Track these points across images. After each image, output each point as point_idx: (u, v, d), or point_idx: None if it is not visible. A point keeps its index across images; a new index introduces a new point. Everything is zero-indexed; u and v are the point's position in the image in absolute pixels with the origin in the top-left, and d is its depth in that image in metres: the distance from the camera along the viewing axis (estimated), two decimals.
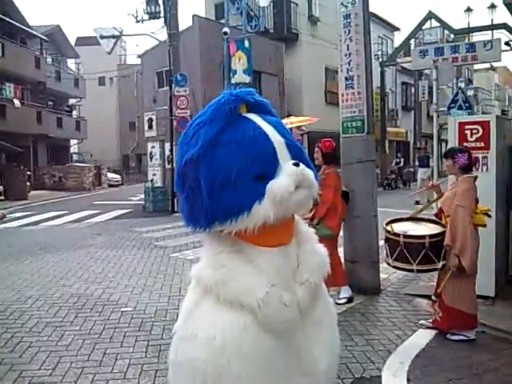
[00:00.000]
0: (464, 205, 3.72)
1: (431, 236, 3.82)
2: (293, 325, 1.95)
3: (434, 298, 3.95)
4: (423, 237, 3.83)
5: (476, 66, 34.91)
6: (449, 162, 3.94)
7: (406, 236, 3.86)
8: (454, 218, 3.74)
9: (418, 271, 4.04)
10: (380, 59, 23.42)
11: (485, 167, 4.72)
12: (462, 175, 3.88)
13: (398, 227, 4.04)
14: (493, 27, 17.55)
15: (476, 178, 3.90)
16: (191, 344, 1.91)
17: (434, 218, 4.14)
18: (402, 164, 22.85)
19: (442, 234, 3.81)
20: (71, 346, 3.97)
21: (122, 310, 4.90)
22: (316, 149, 4.99)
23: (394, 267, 4.09)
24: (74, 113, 33.34)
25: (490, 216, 3.97)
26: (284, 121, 13.91)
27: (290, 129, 11.08)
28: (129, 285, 5.86)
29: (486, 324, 4.17)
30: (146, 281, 6.03)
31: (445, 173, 4.64)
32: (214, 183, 1.85)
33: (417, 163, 16.51)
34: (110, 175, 28.70)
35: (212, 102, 2.00)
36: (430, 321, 4.12)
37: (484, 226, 3.86)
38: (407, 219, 4.20)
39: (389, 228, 4.02)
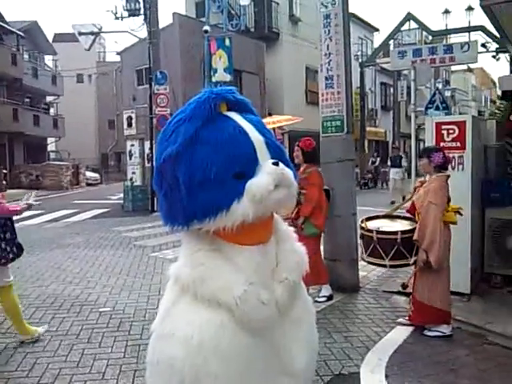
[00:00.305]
0: (436, 202, 3.81)
1: (403, 232, 3.92)
2: (271, 323, 1.95)
3: (401, 289, 4.04)
4: (395, 233, 3.94)
5: (453, 68, 35.55)
6: (424, 161, 4.02)
7: (378, 232, 3.96)
8: (424, 214, 3.83)
9: (391, 266, 4.16)
10: (360, 59, 23.67)
11: (461, 166, 4.81)
12: (435, 174, 3.97)
13: (373, 224, 4.18)
14: (470, 29, 17.89)
15: (448, 176, 4.00)
16: (168, 343, 1.90)
17: (407, 215, 4.22)
18: (377, 163, 22.83)
19: (414, 230, 3.90)
20: (48, 347, 3.91)
21: (101, 310, 4.84)
22: (296, 147, 5.01)
23: (369, 262, 4.21)
24: (52, 110, 32.74)
25: (461, 214, 4.07)
26: (267, 119, 14.11)
27: (273, 129, 11.09)
28: (107, 285, 5.79)
29: (462, 320, 4.25)
30: (124, 281, 5.97)
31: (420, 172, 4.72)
32: (193, 181, 1.84)
33: (389, 163, 16.38)
34: (89, 174, 28.29)
35: (192, 100, 1.98)
36: (407, 318, 4.19)
37: (455, 223, 3.96)
38: (383, 217, 4.30)
39: (363, 225, 4.12)
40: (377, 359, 3.56)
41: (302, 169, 4.91)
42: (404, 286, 4.00)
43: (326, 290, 4.96)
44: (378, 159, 23.25)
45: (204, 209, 1.84)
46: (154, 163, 2.17)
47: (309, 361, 2.13)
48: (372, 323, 4.32)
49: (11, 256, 3.92)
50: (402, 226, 4.12)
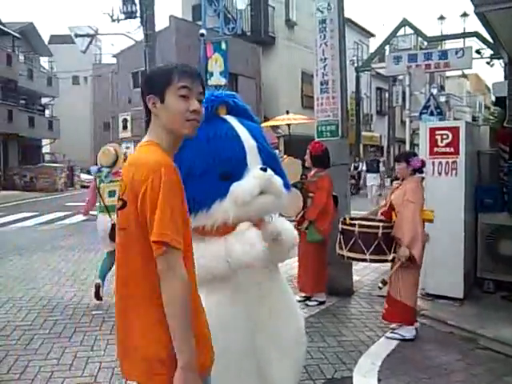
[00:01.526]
0: (414, 200, 3.88)
1: (384, 227, 3.92)
2: (260, 264, 2.00)
3: (380, 285, 4.03)
4: (377, 226, 3.92)
5: (448, 73, 35.82)
6: (402, 165, 4.08)
7: (360, 225, 3.93)
8: (403, 211, 3.89)
9: (371, 261, 4.11)
10: (355, 64, 23.76)
11: (454, 172, 4.84)
12: (411, 177, 4.06)
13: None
14: (464, 35, 18.04)
15: (423, 179, 4.11)
16: None
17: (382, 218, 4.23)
18: (360, 169, 21.70)
19: (375, 227, 3.93)
20: (40, 349, 3.88)
21: (93, 313, 4.82)
22: (307, 151, 5.00)
23: (348, 258, 4.11)
24: (47, 112, 32.65)
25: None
26: (284, 116, 14.56)
27: (267, 131, 11.32)
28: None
29: (454, 325, 4.27)
30: None
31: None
32: None
33: (364, 167, 15.44)
34: (83, 176, 28.10)
35: None
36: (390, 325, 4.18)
37: (431, 221, 4.03)
38: (360, 219, 4.28)
39: (346, 220, 4.09)
40: (370, 363, 3.56)
41: (312, 172, 4.91)
42: (384, 281, 3.99)
43: (320, 296, 4.97)
44: (361, 164, 22.38)
45: None
46: None
47: (290, 329, 2.22)
48: (365, 327, 4.33)
49: None
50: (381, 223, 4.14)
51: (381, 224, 3.95)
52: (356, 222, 4.00)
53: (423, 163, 4.15)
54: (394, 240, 3.91)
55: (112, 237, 4.42)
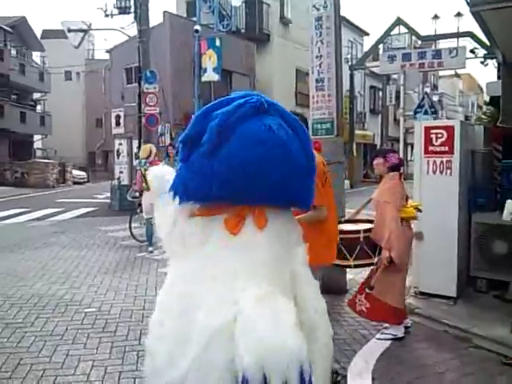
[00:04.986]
0: (389, 200, 3.87)
1: (365, 230, 3.92)
2: None
3: (367, 290, 4.01)
4: (357, 231, 3.93)
5: (441, 73, 35.98)
6: (379, 161, 4.08)
7: (341, 232, 3.87)
8: (380, 213, 3.89)
9: (356, 266, 4.12)
10: (349, 63, 23.78)
11: (449, 171, 4.84)
12: (387, 174, 4.05)
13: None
14: (458, 35, 18.09)
15: (401, 174, 4.09)
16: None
17: (371, 218, 4.24)
18: None
19: (356, 232, 3.96)
20: (32, 347, 3.85)
21: (86, 310, 4.78)
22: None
23: (333, 264, 3.89)
24: (39, 107, 32.39)
25: (420, 210, 4.20)
26: None
27: None
28: (93, 285, 5.73)
29: (448, 324, 4.28)
30: (110, 281, 5.91)
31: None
32: None
33: None
34: (75, 172, 27.99)
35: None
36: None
37: (415, 218, 4.04)
38: (345, 222, 4.28)
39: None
40: (364, 362, 3.56)
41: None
42: (370, 287, 3.97)
43: None
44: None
45: None
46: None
47: None
48: (359, 326, 4.32)
49: None
50: (364, 226, 4.16)
51: (361, 228, 3.97)
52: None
53: (400, 160, 4.17)
54: (359, 244, 3.92)
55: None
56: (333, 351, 1.67)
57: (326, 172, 3.49)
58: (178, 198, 1.56)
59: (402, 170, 4.20)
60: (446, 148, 4.84)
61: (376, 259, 3.94)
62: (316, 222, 3.23)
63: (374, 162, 4.17)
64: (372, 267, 4.07)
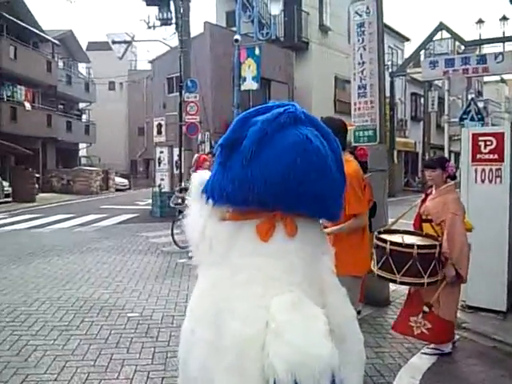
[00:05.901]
0: (459, 213, 3.68)
1: (420, 246, 3.47)
2: None
3: (426, 309, 3.75)
4: (411, 246, 3.46)
5: (486, 78, 34.83)
6: (437, 172, 3.82)
7: (392, 243, 3.51)
8: (450, 226, 3.63)
9: (401, 283, 3.67)
10: (390, 69, 23.40)
11: (498, 179, 4.65)
12: (444, 184, 3.83)
13: (389, 237, 3.69)
14: (504, 39, 17.49)
15: (456, 184, 3.91)
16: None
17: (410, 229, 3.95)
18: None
19: (432, 247, 3.52)
20: (77, 350, 3.93)
21: (129, 315, 4.86)
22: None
23: (379, 276, 3.67)
24: (84, 117, 33.56)
25: (470, 230, 3.94)
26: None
27: None
28: (135, 290, 5.83)
29: (498, 339, 4.09)
30: (152, 286, 6.00)
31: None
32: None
33: None
34: (118, 179, 28.79)
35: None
36: (431, 346, 3.91)
37: (470, 230, 3.84)
38: (384, 232, 3.87)
39: (380, 235, 3.71)
40: (409, 377, 3.44)
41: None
42: (429, 304, 3.67)
43: (356, 306, 4.84)
44: None
45: None
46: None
47: None
48: (403, 339, 4.18)
49: None
50: (421, 241, 3.67)
51: (416, 243, 3.50)
52: (387, 237, 3.60)
53: (456, 169, 4.02)
54: (434, 261, 3.47)
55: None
56: (365, 358, 1.60)
57: (365, 179, 3.40)
58: (211, 201, 1.55)
59: (457, 179, 4.02)
60: (496, 156, 4.66)
61: (426, 280, 3.46)
62: (357, 230, 3.17)
63: (432, 174, 3.84)
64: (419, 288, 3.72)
